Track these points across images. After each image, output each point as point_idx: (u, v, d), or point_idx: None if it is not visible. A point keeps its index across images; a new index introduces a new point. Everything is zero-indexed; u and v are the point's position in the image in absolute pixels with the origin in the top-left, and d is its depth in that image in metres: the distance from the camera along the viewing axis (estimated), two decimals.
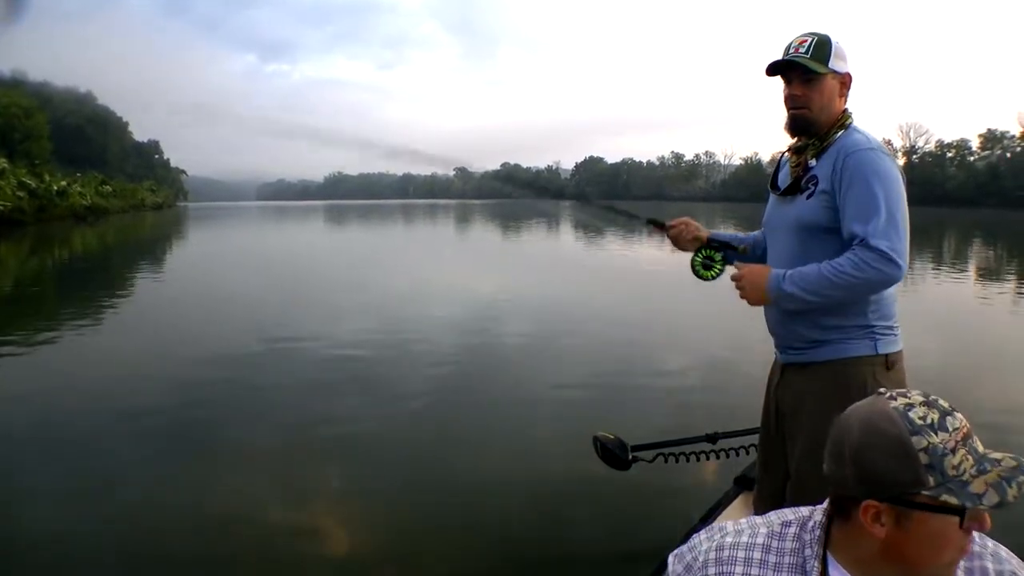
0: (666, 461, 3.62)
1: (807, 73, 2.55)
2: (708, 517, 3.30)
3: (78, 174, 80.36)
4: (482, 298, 15.88)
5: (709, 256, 3.05)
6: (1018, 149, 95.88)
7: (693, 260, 3.08)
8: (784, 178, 2.78)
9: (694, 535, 1.55)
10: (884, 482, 1.29)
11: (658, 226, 3.20)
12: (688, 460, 3.67)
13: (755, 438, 3.29)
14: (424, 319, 13.21)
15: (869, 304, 2.53)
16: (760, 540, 1.48)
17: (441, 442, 6.75)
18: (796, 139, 2.72)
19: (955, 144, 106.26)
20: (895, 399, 1.32)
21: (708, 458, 3.71)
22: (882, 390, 1.37)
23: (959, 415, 1.30)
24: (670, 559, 1.56)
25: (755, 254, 3.05)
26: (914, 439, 1.27)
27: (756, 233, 3.13)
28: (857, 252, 2.39)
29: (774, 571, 1.44)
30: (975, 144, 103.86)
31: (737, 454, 3.74)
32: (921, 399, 1.32)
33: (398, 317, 13.48)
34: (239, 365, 9.65)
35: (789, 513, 1.52)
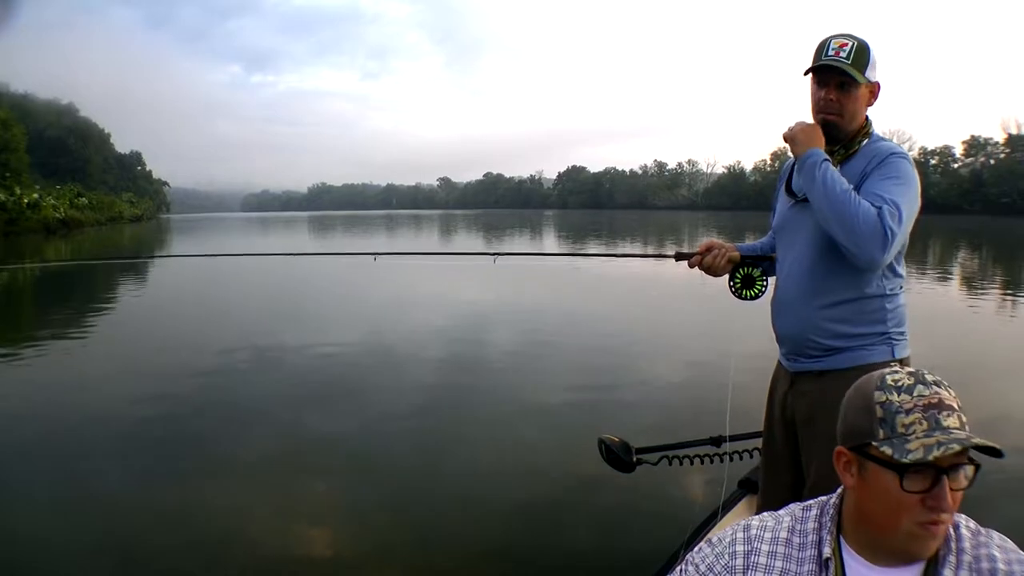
0: (670, 464, 3.63)
1: (846, 79, 2.50)
2: (712, 519, 3.31)
3: (57, 186, 79.63)
4: (473, 306, 15.80)
5: (748, 275, 3.04)
6: (1001, 156, 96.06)
7: (732, 283, 3.06)
8: (799, 184, 2.69)
9: (719, 527, 1.67)
10: (850, 431, 1.43)
11: (685, 258, 3.14)
12: (692, 463, 3.67)
13: (758, 441, 3.29)
14: (415, 328, 13.10)
15: (888, 312, 2.53)
16: (785, 524, 1.57)
17: (437, 449, 6.67)
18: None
19: (938, 151, 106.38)
20: (892, 366, 1.45)
21: (712, 461, 3.70)
22: (895, 365, 1.46)
23: (938, 389, 1.38)
24: (700, 544, 1.66)
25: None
26: (876, 393, 1.39)
27: (767, 240, 3.09)
28: (877, 213, 2.33)
29: (799, 550, 1.53)
30: (958, 150, 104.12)
31: (741, 457, 3.69)
32: (911, 370, 1.42)
33: (388, 327, 13.35)
34: (226, 377, 9.45)
35: (811, 500, 1.62)
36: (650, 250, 33.43)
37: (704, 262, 3.02)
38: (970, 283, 20.65)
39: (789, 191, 2.78)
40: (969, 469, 1.35)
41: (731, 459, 3.62)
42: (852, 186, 2.45)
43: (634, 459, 3.55)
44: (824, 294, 2.58)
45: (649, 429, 6.56)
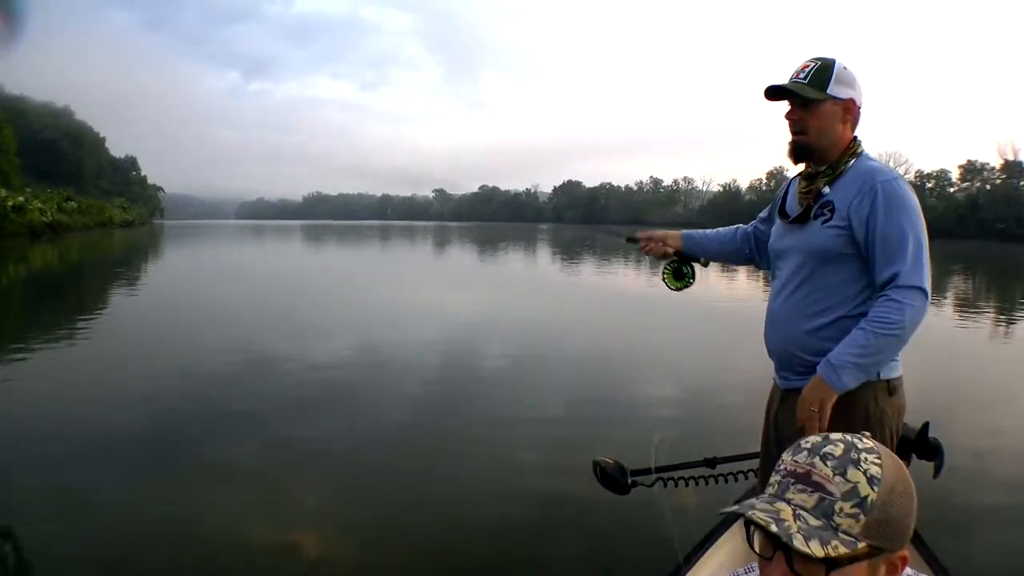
0: (665, 486, 3.57)
1: (803, 99, 2.57)
2: (707, 541, 3.29)
3: (48, 189, 79.02)
4: (465, 319, 15.67)
5: (678, 268, 3.23)
6: (998, 181, 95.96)
7: (662, 274, 3.26)
8: (793, 205, 2.78)
9: None
10: None
11: (632, 240, 3.35)
12: (687, 485, 3.64)
13: (754, 463, 3.37)
14: (408, 338, 12.93)
15: None
16: None
17: (428, 462, 6.58)
18: (799, 165, 2.75)
19: (934, 174, 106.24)
20: (861, 438, 1.28)
21: (707, 483, 3.68)
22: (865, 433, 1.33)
23: (814, 461, 1.23)
24: None
25: (722, 253, 3.25)
26: (784, 453, 1.31)
27: (727, 230, 3.27)
28: (892, 295, 2.42)
29: None
30: (955, 175, 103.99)
31: (736, 479, 3.69)
32: (838, 437, 1.27)
33: (379, 337, 13.17)
34: (216, 384, 9.36)
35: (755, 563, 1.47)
36: (644, 267, 33.19)
37: (645, 248, 3.28)
38: (965, 308, 20.46)
39: (782, 213, 2.82)
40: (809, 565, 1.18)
41: (726, 480, 3.68)
42: (846, 210, 2.52)
43: (629, 481, 3.50)
44: (809, 312, 2.62)
45: (642, 450, 6.44)
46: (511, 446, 7.08)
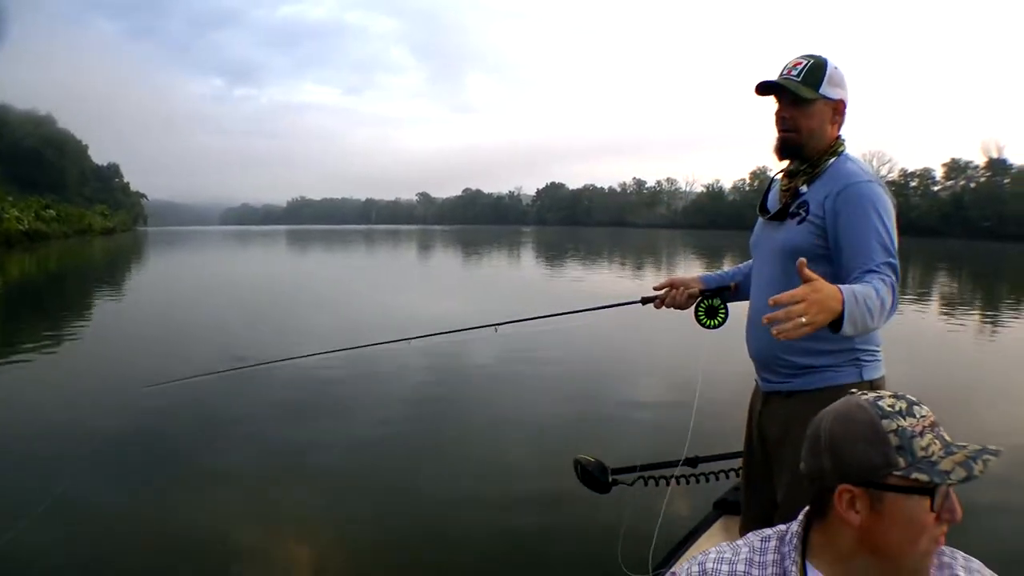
0: (646, 484, 3.60)
1: (795, 97, 2.52)
2: (688, 540, 3.36)
3: (29, 197, 78.39)
4: (452, 323, 15.25)
5: (711, 305, 3.18)
6: (982, 179, 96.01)
7: (696, 314, 3.18)
8: (773, 201, 2.76)
9: (678, 564, 1.61)
10: (858, 466, 1.35)
11: (651, 301, 3.28)
12: (668, 484, 3.62)
13: (735, 462, 3.45)
14: (396, 344, 12.46)
15: None
16: (742, 556, 1.51)
17: (416, 466, 6.69)
18: (785, 162, 2.69)
19: (918, 173, 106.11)
20: (866, 393, 1.42)
21: (688, 482, 3.69)
22: (853, 390, 1.48)
23: (925, 407, 1.39)
24: None
25: (744, 285, 3.08)
26: (884, 422, 1.35)
27: (743, 264, 3.17)
28: (880, 280, 2.24)
29: None
30: (939, 173, 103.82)
31: (717, 478, 3.72)
32: (890, 393, 1.41)
33: (367, 341, 12.80)
34: (205, 390, 9.18)
35: (768, 530, 1.56)
36: (627, 274, 33.04)
37: (667, 301, 3.18)
38: (951, 307, 20.54)
39: (762, 209, 2.79)
40: None
41: (707, 480, 3.69)
42: (818, 209, 2.48)
43: (610, 479, 3.53)
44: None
45: (625, 450, 6.53)
46: (498, 447, 7.19)
